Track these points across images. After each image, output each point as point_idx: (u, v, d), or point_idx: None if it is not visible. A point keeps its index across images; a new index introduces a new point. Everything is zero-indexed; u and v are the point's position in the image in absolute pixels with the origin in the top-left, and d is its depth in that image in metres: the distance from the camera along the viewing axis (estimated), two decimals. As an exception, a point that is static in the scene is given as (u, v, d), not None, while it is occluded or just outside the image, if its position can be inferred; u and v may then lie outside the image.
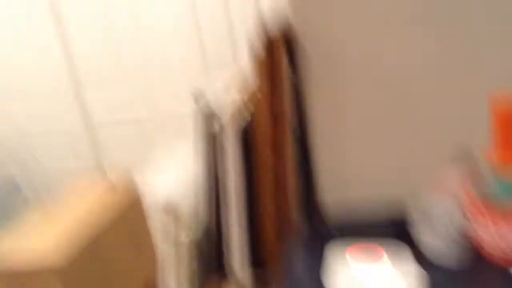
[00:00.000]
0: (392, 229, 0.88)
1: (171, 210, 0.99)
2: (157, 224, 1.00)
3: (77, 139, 2.33)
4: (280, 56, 0.91)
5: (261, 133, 0.93)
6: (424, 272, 0.76)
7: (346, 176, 0.99)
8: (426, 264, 0.78)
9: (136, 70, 2.16)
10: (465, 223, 0.82)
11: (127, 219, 1.35)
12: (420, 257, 0.79)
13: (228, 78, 1.07)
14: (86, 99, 2.25)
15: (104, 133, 2.31)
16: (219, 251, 1.00)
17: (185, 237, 0.98)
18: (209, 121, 0.94)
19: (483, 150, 0.80)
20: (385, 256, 0.78)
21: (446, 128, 0.92)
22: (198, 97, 0.97)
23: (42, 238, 1.21)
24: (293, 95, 0.95)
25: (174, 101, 2.09)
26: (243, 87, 1.00)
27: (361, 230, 0.88)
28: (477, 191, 0.82)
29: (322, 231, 0.91)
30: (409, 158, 0.95)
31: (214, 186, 0.98)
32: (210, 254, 1.01)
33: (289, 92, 0.94)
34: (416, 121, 0.93)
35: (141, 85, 2.18)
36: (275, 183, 0.96)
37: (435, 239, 0.82)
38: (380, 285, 0.74)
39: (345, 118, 0.95)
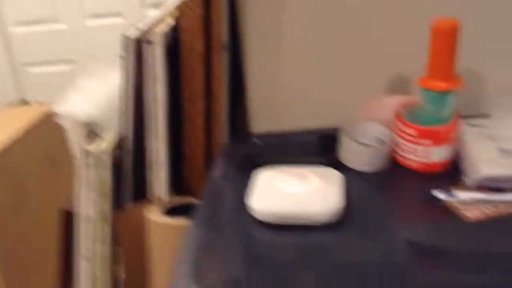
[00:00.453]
0: (323, 156, 0.86)
1: (90, 127, 0.93)
2: (74, 142, 0.93)
3: (2, 77, 2.19)
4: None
5: (190, 49, 0.88)
6: (346, 179, 0.77)
7: (278, 104, 0.96)
8: (350, 175, 0.79)
9: (70, 11, 2.04)
10: (390, 137, 0.83)
11: (41, 136, 1.27)
12: (345, 172, 0.79)
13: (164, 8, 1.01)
14: (14, 37, 2.11)
15: (30, 72, 2.18)
16: (142, 173, 0.95)
17: (104, 156, 0.92)
18: (136, 42, 0.88)
19: (418, 78, 0.79)
20: (312, 177, 0.76)
21: (383, 59, 0.91)
22: (129, 28, 0.90)
23: None
24: (228, 15, 0.90)
25: (108, 40, 1.99)
26: (176, 6, 0.94)
27: (291, 157, 0.86)
28: (406, 116, 0.82)
29: (251, 158, 0.88)
30: (345, 89, 0.93)
31: (138, 105, 0.92)
32: (131, 175, 0.95)
33: (225, 12, 0.89)
34: (353, 51, 0.91)
35: (74, 26, 2.07)
36: (204, 105, 0.91)
37: (358, 149, 0.82)
38: (302, 194, 0.72)
39: (280, 46, 0.91)
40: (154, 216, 0.89)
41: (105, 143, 0.94)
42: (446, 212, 0.71)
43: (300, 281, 0.62)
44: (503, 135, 0.79)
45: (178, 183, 0.98)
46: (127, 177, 0.96)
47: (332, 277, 0.63)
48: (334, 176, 0.77)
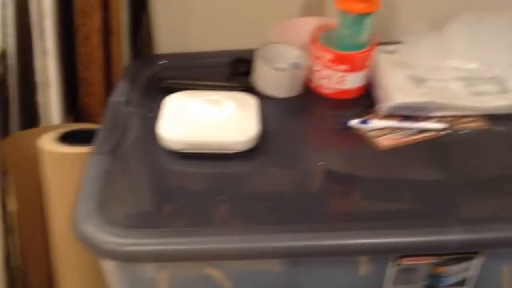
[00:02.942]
0: (235, 80, 0.81)
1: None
2: None
3: None
4: None
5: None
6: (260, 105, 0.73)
7: (187, 23, 0.88)
8: (263, 100, 0.75)
9: None
10: (305, 62, 0.79)
11: None
12: (258, 98, 0.75)
13: None
14: None
15: None
16: (30, 94, 0.83)
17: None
18: None
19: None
20: (226, 102, 0.71)
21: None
22: None
23: None
24: None
25: None
26: None
27: (202, 81, 0.79)
28: (322, 40, 0.78)
29: (157, 81, 0.80)
30: (258, 8, 0.87)
31: (21, 15, 0.79)
32: (17, 97, 0.84)
33: None
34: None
35: None
36: (101, 18, 0.81)
37: (272, 74, 0.78)
38: (216, 121, 0.68)
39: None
40: (46, 143, 0.79)
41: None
42: (359, 139, 0.71)
43: (213, 212, 0.59)
44: (415, 62, 0.78)
45: (74, 108, 0.89)
46: (13, 99, 0.84)
47: (247, 207, 0.60)
48: (249, 102, 0.73)
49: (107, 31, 0.81)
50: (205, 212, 0.59)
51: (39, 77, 0.82)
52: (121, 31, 0.82)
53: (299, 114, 0.78)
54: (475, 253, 0.58)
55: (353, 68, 0.76)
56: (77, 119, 0.90)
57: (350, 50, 0.76)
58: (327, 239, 0.53)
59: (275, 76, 0.78)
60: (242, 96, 0.74)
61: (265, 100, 0.76)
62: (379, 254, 0.56)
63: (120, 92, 0.76)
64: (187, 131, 0.65)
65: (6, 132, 0.86)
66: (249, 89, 0.79)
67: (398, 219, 0.57)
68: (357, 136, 0.71)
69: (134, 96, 0.76)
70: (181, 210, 0.59)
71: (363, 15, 0.74)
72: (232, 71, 0.84)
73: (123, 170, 0.63)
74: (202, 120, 0.67)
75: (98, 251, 0.51)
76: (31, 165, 0.85)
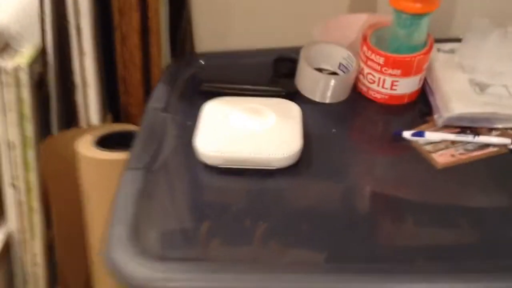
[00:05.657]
0: (278, 83, 0.76)
1: (3, 38, 0.78)
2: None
3: None
4: None
5: None
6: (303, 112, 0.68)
7: (227, 22, 0.83)
8: (307, 106, 0.70)
9: None
10: (355, 64, 0.74)
11: None
12: (302, 103, 0.70)
13: None
14: None
15: None
16: (69, 94, 0.82)
17: (22, 72, 0.78)
18: None
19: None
20: (267, 113, 0.67)
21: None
22: None
23: None
24: None
25: None
26: None
27: (243, 85, 0.75)
28: (373, 40, 0.72)
29: (196, 84, 0.76)
30: (303, 5, 0.81)
31: (59, 14, 0.77)
32: (56, 96, 0.83)
33: None
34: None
35: None
36: (139, 18, 0.77)
37: (317, 77, 0.73)
38: (257, 134, 0.63)
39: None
40: (84, 147, 0.78)
41: (22, 58, 0.80)
42: (413, 154, 0.65)
43: (253, 231, 0.55)
44: (476, 65, 0.71)
45: (115, 109, 0.87)
46: (52, 99, 0.83)
47: (288, 226, 0.56)
48: (291, 111, 0.68)
49: (146, 31, 0.78)
50: (244, 230, 0.55)
51: (77, 78, 0.80)
52: (160, 31, 0.78)
53: (346, 122, 0.72)
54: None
55: (407, 73, 0.70)
56: (116, 118, 0.88)
57: (404, 53, 0.69)
58: (375, 282, 0.49)
59: (320, 80, 0.73)
60: (284, 103, 0.70)
61: (309, 105, 0.72)
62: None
63: (158, 97, 0.73)
64: (225, 146, 0.62)
65: (46, 132, 0.85)
66: (292, 94, 0.74)
67: (453, 258, 0.52)
68: (410, 149, 0.66)
69: (173, 102, 0.73)
70: (218, 231, 0.56)
71: (421, 15, 0.68)
72: (274, 72, 0.79)
73: (158, 188, 0.60)
74: (242, 133, 0.63)
75: (129, 284, 0.49)
76: (70, 166, 0.84)
